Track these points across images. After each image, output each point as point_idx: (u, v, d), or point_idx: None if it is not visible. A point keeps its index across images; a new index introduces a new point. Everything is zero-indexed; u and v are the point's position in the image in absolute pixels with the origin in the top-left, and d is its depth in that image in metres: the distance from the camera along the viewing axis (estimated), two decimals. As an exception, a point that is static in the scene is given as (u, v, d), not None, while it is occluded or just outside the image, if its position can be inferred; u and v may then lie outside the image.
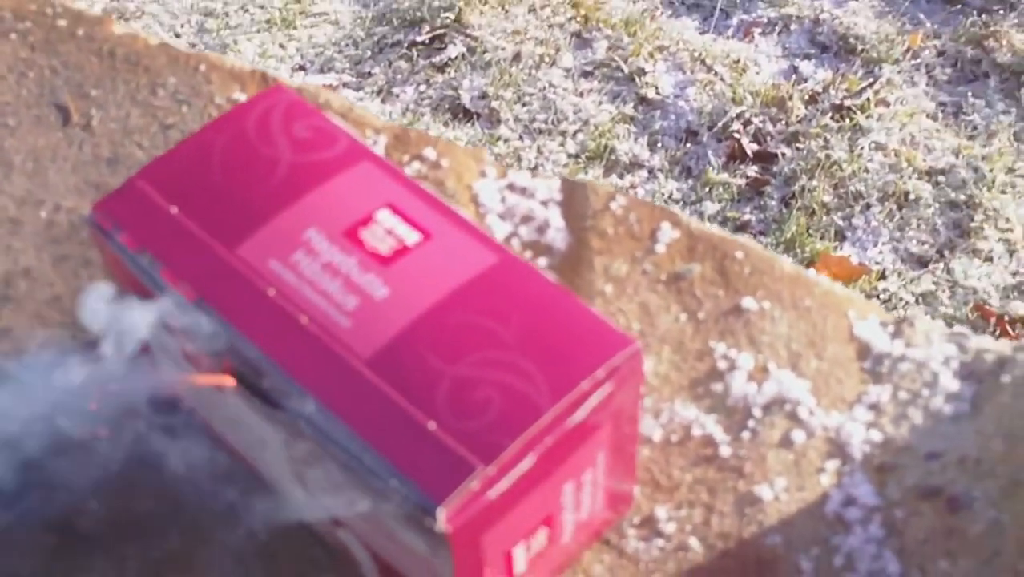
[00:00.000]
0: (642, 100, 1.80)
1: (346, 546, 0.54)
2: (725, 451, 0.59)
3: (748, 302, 0.64)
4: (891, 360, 0.62)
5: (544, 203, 0.68)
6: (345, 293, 0.49)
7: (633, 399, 0.51)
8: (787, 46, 1.87)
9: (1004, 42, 1.82)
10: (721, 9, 1.94)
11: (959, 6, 1.90)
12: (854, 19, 1.89)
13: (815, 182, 1.63)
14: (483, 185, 0.69)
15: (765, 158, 1.69)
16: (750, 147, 1.70)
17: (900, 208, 1.61)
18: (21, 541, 0.59)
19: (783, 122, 1.73)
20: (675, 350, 0.62)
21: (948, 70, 1.80)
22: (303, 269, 0.50)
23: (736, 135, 1.72)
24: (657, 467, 0.59)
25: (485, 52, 1.87)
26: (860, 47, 1.84)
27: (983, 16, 1.86)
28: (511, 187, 0.69)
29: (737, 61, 1.83)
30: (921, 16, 1.88)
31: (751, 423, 0.60)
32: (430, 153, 0.71)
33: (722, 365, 0.62)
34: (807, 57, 1.85)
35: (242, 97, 0.74)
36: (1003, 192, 1.62)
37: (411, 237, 0.51)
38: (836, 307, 0.64)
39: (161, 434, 0.60)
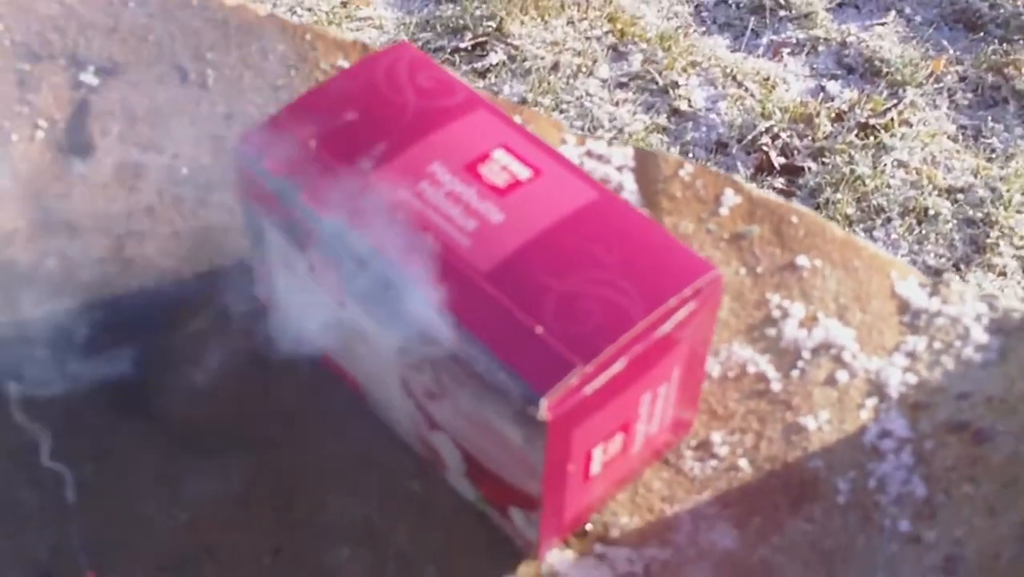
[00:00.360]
0: (675, 112, 1.88)
1: (437, 450, 0.62)
2: (776, 387, 0.67)
3: (802, 260, 0.71)
4: (928, 315, 0.69)
5: (619, 168, 0.76)
6: (465, 217, 0.57)
7: (710, 321, 0.58)
8: (815, 66, 1.95)
9: (1023, 70, 1.90)
10: (752, 29, 2.02)
11: (981, 34, 1.98)
12: (880, 43, 1.96)
13: (839, 195, 1.71)
14: (564, 151, 0.77)
15: (792, 171, 1.77)
16: (778, 160, 1.78)
17: (919, 223, 1.69)
18: (138, 439, 0.66)
19: (810, 137, 1.81)
20: (734, 299, 0.70)
21: (969, 95, 1.88)
22: (428, 196, 0.58)
23: (765, 148, 1.79)
24: (714, 398, 0.67)
25: (525, 60, 1.95)
26: (885, 70, 1.91)
27: (1004, 45, 1.93)
28: (589, 153, 0.77)
29: (767, 78, 1.91)
30: (944, 42, 1.96)
31: (800, 364, 0.67)
32: (516, 120, 0.78)
33: (776, 313, 0.69)
34: (834, 77, 1.93)
35: (345, 64, 0.82)
36: (1019, 212, 1.69)
37: (523, 173, 0.59)
38: (880, 268, 0.71)
39: (269, 345, 0.67)
